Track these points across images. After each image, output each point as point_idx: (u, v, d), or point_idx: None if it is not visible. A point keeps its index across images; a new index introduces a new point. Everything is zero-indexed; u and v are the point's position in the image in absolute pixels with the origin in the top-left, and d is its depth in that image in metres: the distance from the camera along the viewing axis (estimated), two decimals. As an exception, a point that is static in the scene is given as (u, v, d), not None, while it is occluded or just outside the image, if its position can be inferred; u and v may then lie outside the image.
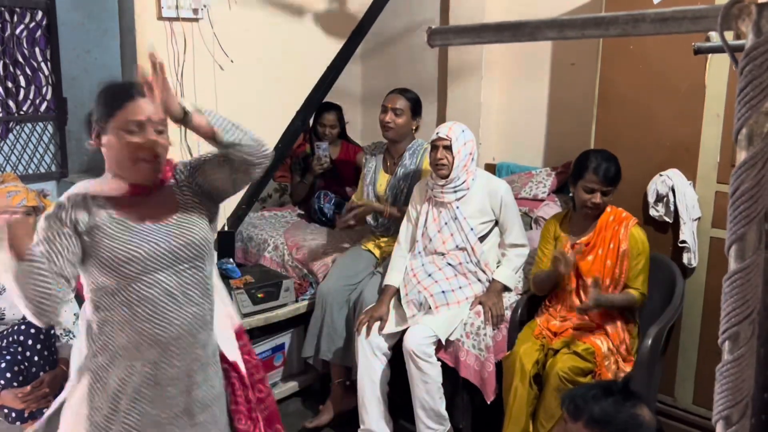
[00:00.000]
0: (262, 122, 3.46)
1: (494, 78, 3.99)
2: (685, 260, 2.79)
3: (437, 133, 2.81)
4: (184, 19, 3.03)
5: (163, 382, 1.67)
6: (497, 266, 2.90)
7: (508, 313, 2.79)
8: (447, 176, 2.78)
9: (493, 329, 2.74)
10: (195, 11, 3.03)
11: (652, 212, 2.87)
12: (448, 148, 2.77)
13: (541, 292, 2.78)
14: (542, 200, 3.47)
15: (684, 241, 2.78)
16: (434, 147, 2.80)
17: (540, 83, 3.81)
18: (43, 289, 1.50)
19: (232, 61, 3.17)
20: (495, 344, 2.73)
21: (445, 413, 2.73)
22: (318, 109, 3.85)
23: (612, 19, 0.77)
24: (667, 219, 2.84)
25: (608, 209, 2.66)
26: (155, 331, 1.63)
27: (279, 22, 3.37)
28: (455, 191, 2.81)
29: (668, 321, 2.63)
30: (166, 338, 1.65)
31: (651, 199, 2.87)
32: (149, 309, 1.63)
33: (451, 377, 2.77)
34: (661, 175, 2.85)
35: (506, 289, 2.86)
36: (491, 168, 3.96)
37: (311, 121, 3.94)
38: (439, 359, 2.72)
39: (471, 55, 3.96)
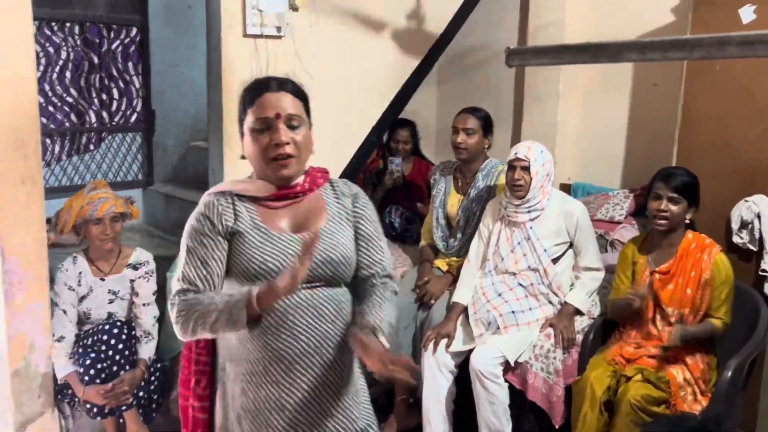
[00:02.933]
0: (338, 137, 3.55)
1: (572, 97, 3.94)
2: (765, 289, 2.66)
3: (515, 153, 2.78)
4: (268, 37, 3.13)
5: (289, 406, 1.52)
6: (570, 289, 2.84)
7: (579, 337, 2.73)
8: (523, 197, 2.75)
9: (564, 353, 2.68)
10: (278, 29, 3.14)
11: (736, 239, 2.76)
12: (526, 168, 2.74)
13: (618, 319, 2.71)
14: (619, 223, 3.38)
15: (765, 270, 2.65)
16: (512, 167, 2.77)
17: (620, 103, 3.73)
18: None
19: (311, 78, 3.25)
20: (565, 368, 2.67)
21: (511, 435, 2.69)
22: (392, 125, 3.89)
23: (696, 41, 0.76)
24: (751, 247, 2.72)
25: (690, 235, 2.57)
26: (279, 345, 1.50)
27: (358, 39, 3.44)
28: (529, 211, 2.78)
29: (750, 353, 2.51)
30: (291, 354, 1.50)
31: (735, 225, 2.76)
32: (276, 320, 1.49)
33: (519, 399, 2.73)
34: (746, 201, 2.74)
35: (578, 312, 2.80)
36: (566, 188, 3.90)
37: (385, 137, 3.98)
38: (506, 380, 2.69)
39: (548, 73, 3.92)
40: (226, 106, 3.14)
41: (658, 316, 2.59)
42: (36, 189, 2.38)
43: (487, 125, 3.09)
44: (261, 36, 3.12)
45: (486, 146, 3.12)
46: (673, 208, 2.52)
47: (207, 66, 3.13)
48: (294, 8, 3.18)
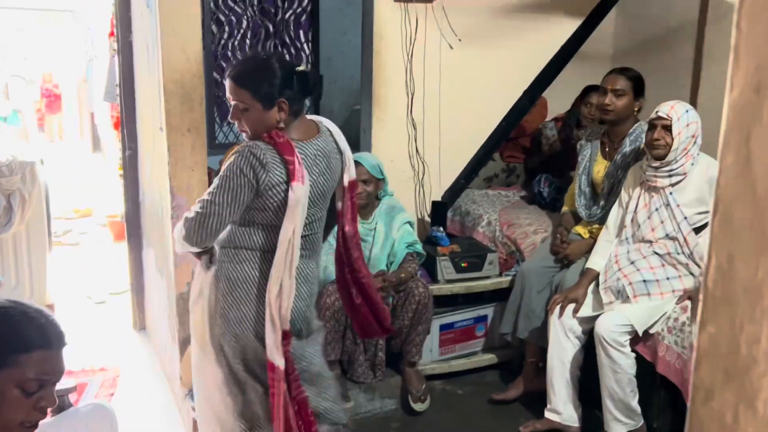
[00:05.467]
0: (486, 98, 3.57)
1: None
2: None
3: (657, 112, 2.64)
4: (418, 1, 3.24)
5: None
6: (718, 262, 2.64)
7: (721, 314, 2.53)
8: (663, 157, 2.60)
9: (701, 328, 2.51)
10: (429, -7, 3.23)
11: None
12: (668, 128, 2.59)
13: None
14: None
15: None
16: (652, 126, 2.63)
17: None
18: None
19: (460, 40, 3.31)
20: (702, 345, 2.50)
21: (636, 408, 2.59)
22: (585, 89, 3.72)
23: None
24: None
25: None
26: None
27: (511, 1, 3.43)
28: (670, 175, 2.62)
29: None
30: None
31: None
32: None
33: (650, 373, 2.61)
34: None
35: (723, 287, 2.59)
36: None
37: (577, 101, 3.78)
38: (635, 351, 2.59)
39: (730, 29, 3.57)
40: (376, 69, 3.32)
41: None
42: (200, 138, 2.74)
43: (638, 87, 2.93)
44: (411, 0, 3.24)
45: (636, 109, 2.96)
46: None
47: (361, 31, 3.33)
48: (445, -28, 3.26)
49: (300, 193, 1.88)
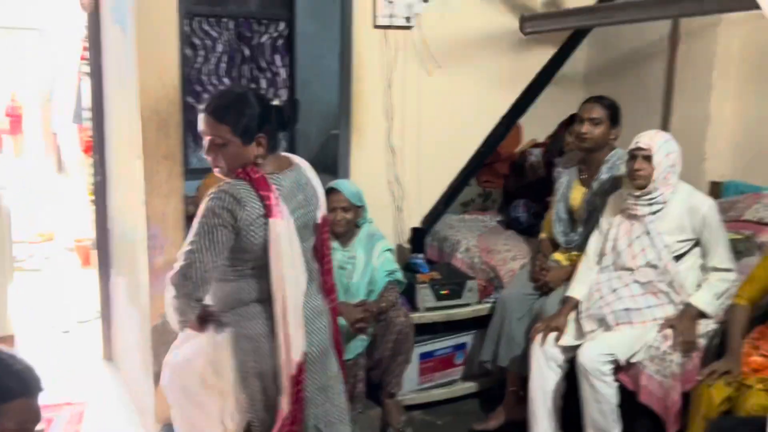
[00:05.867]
0: (466, 124, 3.58)
1: (727, 87, 3.63)
2: None
3: (636, 142, 2.66)
4: (397, 27, 3.24)
5: None
6: (697, 290, 2.66)
7: (702, 341, 2.55)
8: (644, 187, 2.62)
9: (682, 356, 2.52)
10: (407, 19, 3.24)
11: None
12: (648, 158, 2.61)
13: (734, 326, 2.49)
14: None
15: None
16: (632, 156, 2.65)
17: (781, 94, 3.39)
18: None
19: (439, 66, 3.31)
20: (684, 372, 2.51)
21: (618, 438, 2.58)
22: (570, 118, 3.72)
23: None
24: None
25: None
26: None
27: (491, 28, 3.45)
28: (650, 204, 2.64)
29: None
30: None
31: None
32: None
33: (632, 402, 2.61)
34: None
35: (703, 315, 2.61)
36: (716, 186, 3.61)
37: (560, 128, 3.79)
38: (618, 380, 2.58)
39: (701, 63, 3.65)
40: (355, 95, 3.30)
41: (794, 326, 2.36)
42: (176, 165, 2.67)
43: (614, 115, 2.96)
44: (390, 26, 3.23)
45: (613, 137, 2.99)
46: None
47: (340, 56, 3.30)
48: (424, -1, 3.26)
49: (280, 229, 1.81)
